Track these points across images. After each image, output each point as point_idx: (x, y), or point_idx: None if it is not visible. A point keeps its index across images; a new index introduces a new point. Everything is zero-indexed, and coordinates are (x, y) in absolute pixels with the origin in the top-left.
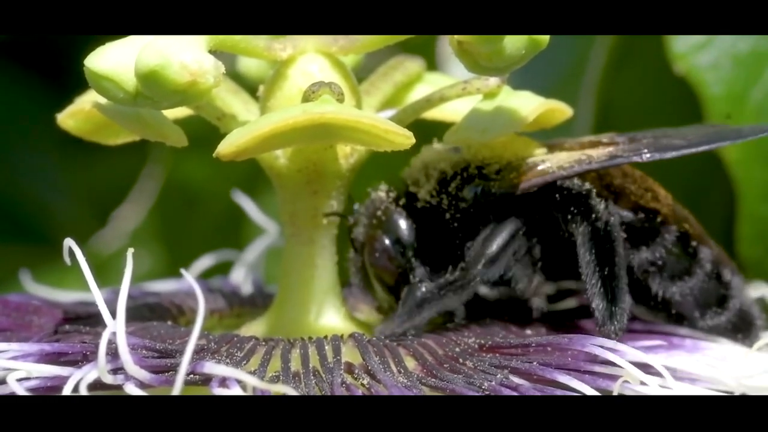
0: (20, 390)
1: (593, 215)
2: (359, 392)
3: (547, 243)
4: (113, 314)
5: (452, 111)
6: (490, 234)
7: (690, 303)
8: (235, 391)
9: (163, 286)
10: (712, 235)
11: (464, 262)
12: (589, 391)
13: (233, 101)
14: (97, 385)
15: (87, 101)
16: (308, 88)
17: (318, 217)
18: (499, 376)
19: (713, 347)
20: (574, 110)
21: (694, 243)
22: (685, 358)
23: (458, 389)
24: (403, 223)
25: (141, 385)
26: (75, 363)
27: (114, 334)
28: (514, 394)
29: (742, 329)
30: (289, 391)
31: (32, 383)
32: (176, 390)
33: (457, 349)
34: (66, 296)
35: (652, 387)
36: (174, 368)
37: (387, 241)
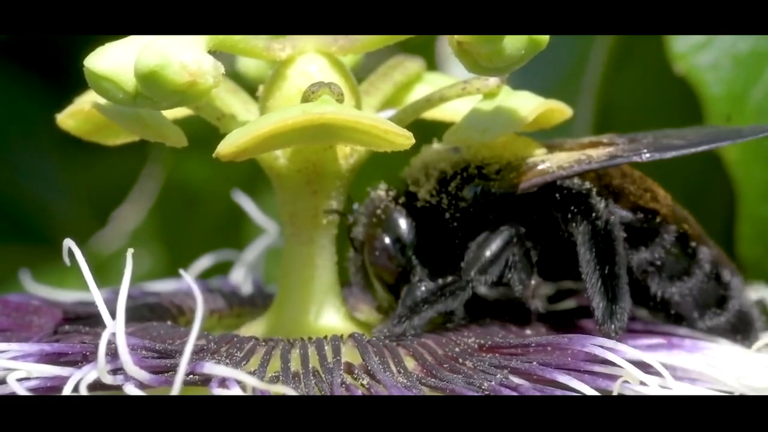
0: (20, 390)
1: (593, 214)
2: (359, 392)
3: (547, 244)
4: (113, 314)
5: (452, 111)
6: (484, 240)
7: (689, 303)
8: (235, 391)
9: (163, 286)
10: (712, 235)
11: (461, 266)
12: (589, 391)
13: (233, 101)
14: (96, 385)
15: (87, 101)
16: (308, 88)
17: (318, 217)
18: (498, 376)
19: (713, 347)
20: (574, 110)
21: (693, 243)
22: (684, 357)
23: (458, 389)
24: (403, 222)
25: (141, 385)
26: (75, 363)
27: (114, 334)
28: (514, 394)
29: (741, 330)
30: (288, 391)
31: (32, 383)
32: (175, 390)
33: (457, 349)
34: (66, 296)
35: (652, 387)
36: (174, 368)
37: (387, 240)
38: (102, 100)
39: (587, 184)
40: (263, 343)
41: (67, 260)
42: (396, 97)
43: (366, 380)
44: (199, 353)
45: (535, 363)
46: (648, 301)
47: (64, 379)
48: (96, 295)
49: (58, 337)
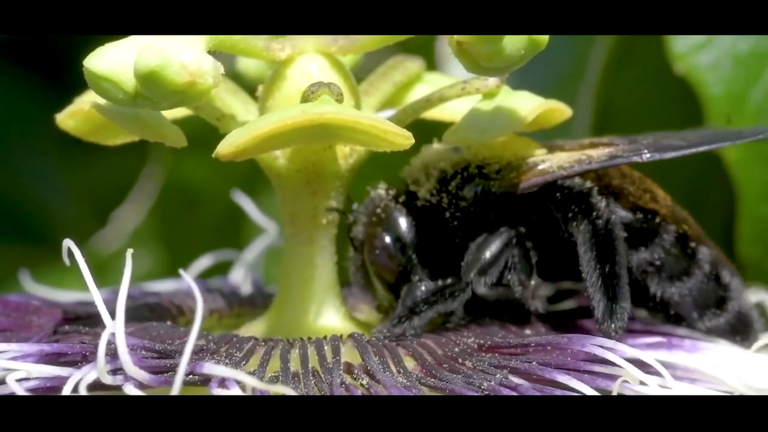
0: (20, 390)
1: (594, 213)
2: (358, 392)
3: (547, 244)
4: (113, 314)
5: (452, 111)
6: (483, 242)
7: (688, 304)
8: (235, 391)
9: (163, 286)
10: (712, 236)
11: (461, 266)
12: (589, 391)
13: (232, 101)
14: (96, 385)
15: (86, 101)
16: (307, 88)
17: (318, 217)
18: (498, 375)
19: (712, 347)
20: (574, 110)
21: (692, 244)
22: (684, 357)
23: (457, 389)
24: (403, 221)
25: (140, 385)
26: (74, 363)
27: (113, 334)
28: (514, 393)
29: (740, 332)
30: (288, 391)
31: (32, 383)
32: (175, 390)
33: (457, 349)
34: (66, 296)
35: (652, 387)
36: (173, 369)
37: (387, 239)
38: (102, 100)
39: (588, 184)
40: (263, 343)
41: (66, 260)
42: (395, 97)
43: (365, 380)
44: (198, 353)
45: (534, 363)
46: (647, 301)
47: (63, 380)
48: (96, 295)
49: (57, 338)
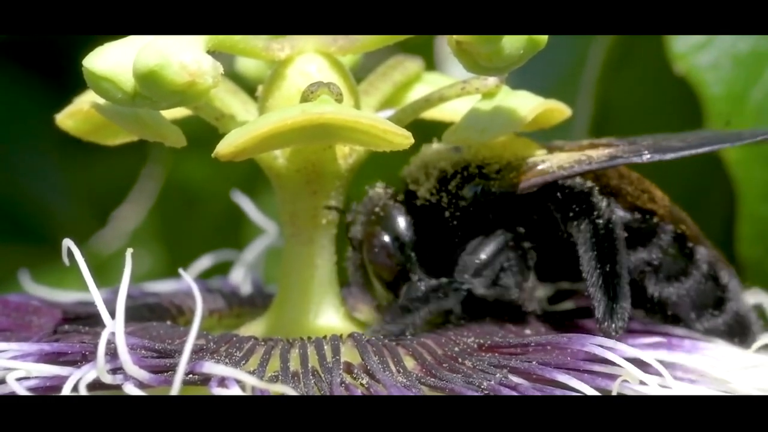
0: (20, 389)
1: (595, 213)
2: (358, 392)
3: (546, 244)
4: (113, 314)
5: (451, 111)
6: (478, 245)
7: (686, 304)
8: (234, 390)
9: (163, 286)
10: (712, 236)
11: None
12: (589, 391)
13: (232, 101)
14: (96, 384)
15: (86, 101)
16: (307, 88)
17: (318, 217)
18: (498, 375)
19: (712, 347)
20: (573, 110)
21: (690, 244)
22: (684, 357)
23: (457, 389)
24: (401, 219)
25: (140, 384)
26: (74, 363)
27: (113, 334)
28: (514, 393)
29: (738, 333)
30: (288, 390)
31: (32, 383)
32: (175, 390)
33: (456, 349)
34: (66, 296)
35: (652, 386)
36: (173, 368)
37: (386, 238)
38: (101, 100)
39: (589, 184)
40: (262, 343)
41: (66, 260)
42: (395, 97)
43: (365, 380)
44: (198, 353)
45: (534, 362)
46: (645, 302)
47: (63, 379)
48: (95, 295)
49: (57, 337)
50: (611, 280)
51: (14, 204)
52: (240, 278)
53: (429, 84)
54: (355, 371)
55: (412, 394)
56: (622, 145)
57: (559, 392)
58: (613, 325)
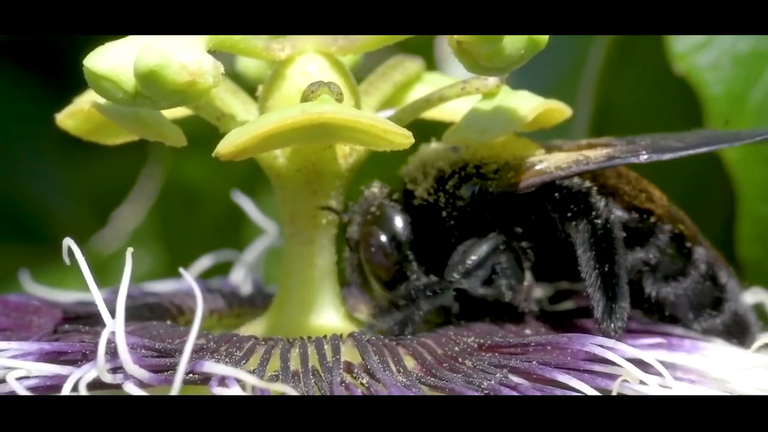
0: (20, 389)
1: (593, 213)
2: (358, 392)
3: (544, 244)
4: (113, 314)
5: (451, 111)
6: (471, 245)
7: (684, 304)
8: (235, 390)
9: (163, 286)
10: (712, 236)
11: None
12: (589, 391)
13: (232, 101)
14: (96, 384)
15: (86, 101)
16: (307, 87)
17: (318, 217)
18: (498, 375)
19: (712, 347)
20: (573, 110)
21: (688, 244)
22: (684, 357)
23: (457, 388)
24: (398, 218)
25: (140, 384)
26: (74, 362)
27: (113, 333)
28: (514, 393)
29: (736, 333)
30: (288, 390)
31: (32, 382)
32: (175, 389)
33: (457, 349)
34: (66, 296)
35: (652, 386)
36: (173, 367)
37: (383, 237)
38: (101, 100)
39: (587, 184)
40: (263, 343)
41: (67, 260)
42: (395, 97)
43: (365, 379)
44: (198, 352)
45: (534, 362)
46: (643, 302)
47: (63, 378)
48: (95, 294)
49: (57, 336)
50: (610, 280)
51: (14, 204)
52: (240, 278)
53: (429, 84)
54: (356, 371)
55: (412, 393)
56: (620, 146)
57: (559, 392)
58: (612, 325)
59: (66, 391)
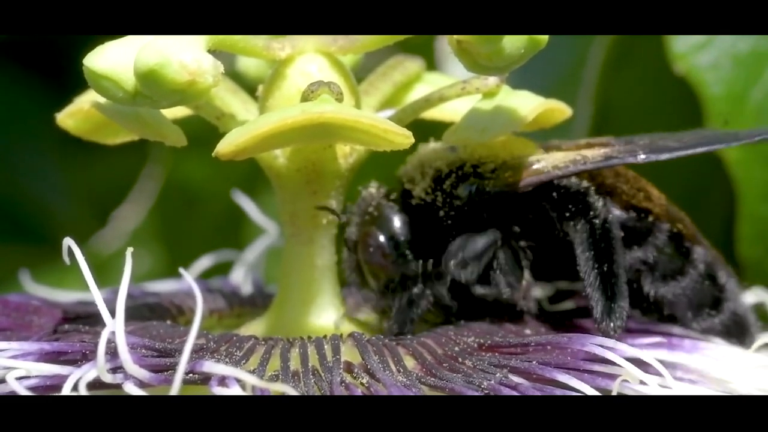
0: (20, 389)
1: (592, 212)
2: (358, 391)
3: (542, 244)
4: (113, 314)
5: (451, 111)
6: (467, 238)
7: (683, 304)
8: (235, 390)
9: (163, 286)
10: (712, 236)
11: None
12: (589, 390)
13: (232, 101)
14: (96, 384)
15: (86, 101)
16: (307, 87)
17: (318, 217)
18: (498, 375)
19: (712, 347)
20: (573, 110)
21: (687, 243)
22: (684, 357)
23: (457, 388)
24: (396, 218)
25: (140, 384)
26: (74, 362)
27: (113, 333)
28: (514, 393)
29: (735, 333)
30: (288, 390)
31: (32, 382)
32: (175, 389)
33: (457, 349)
34: (66, 296)
35: (652, 386)
36: (173, 367)
37: (381, 237)
38: (102, 99)
39: (585, 183)
40: (263, 342)
41: (67, 260)
42: (395, 97)
43: (365, 379)
44: (198, 352)
45: (534, 362)
46: (641, 301)
47: (63, 378)
48: (95, 293)
49: (57, 336)
50: (608, 280)
51: (14, 204)
52: (240, 278)
53: (429, 84)
54: (356, 371)
55: (412, 393)
56: (617, 145)
57: (559, 392)
58: (612, 325)
59: (66, 391)
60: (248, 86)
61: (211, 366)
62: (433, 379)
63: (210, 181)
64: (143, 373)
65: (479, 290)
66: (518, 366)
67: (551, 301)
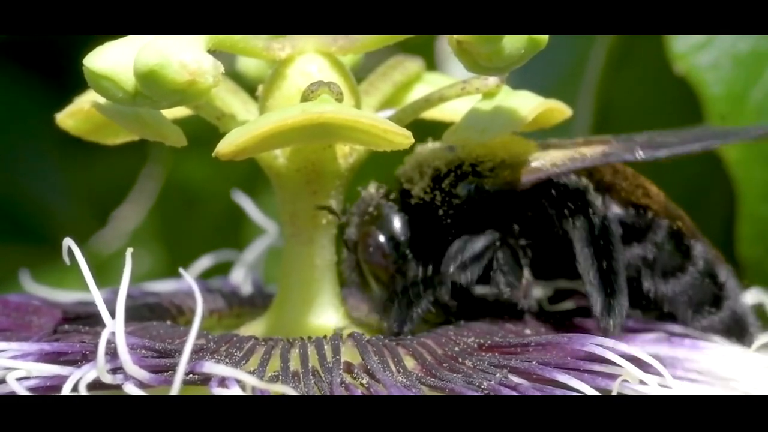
0: (20, 389)
1: (591, 210)
2: (358, 392)
3: (541, 242)
4: (113, 314)
5: (451, 111)
6: (467, 240)
7: (683, 301)
8: (235, 390)
9: (163, 286)
10: (712, 236)
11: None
12: (589, 390)
13: (232, 101)
14: (96, 384)
15: (86, 101)
16: (307, 87)
17: (318, 217)
18: (498, 375)
19: (712, 347)
20: (574, 110)
21: (686, 240)
22: (684, 357)
23: (457, 389)
24: (396, 218)
25: (140, 384)
26: (74, 362)
27: (113, 333)
28: (514, 393)
29: (735, 333)
30: (288, 390)
31: (32, 382)
32: (175, 389)
33: (457, 349)
34: (66, 296)
35: (652, 386)
36: (173, 368)
37: (381, 238)
38: (101, 100)
39: (583, 180)
40: (263, 343)
41: (67, 260)
42: (395, 97)
43: (365, 379)
44: (198, 352)
45: (534, 362)
46: (641, 299)
47: (63, 378)
48: (95, 294)
49: (57, 337)
50: (608, 276)
51: (14, 204)
52: (240, 278)
53: (429, 84)
54: (356, 371)
55: (412, 394)
56: (616, 143)
57: (559, 392)
58: (611, 321)
59: (66, 391)
60: (248, 86)
61: (211, 367)
62: (433, 379)
63: (210, 181)
64: (143, 374)
65: (479, 290)
66: (518, 366)
67: (551, 301)
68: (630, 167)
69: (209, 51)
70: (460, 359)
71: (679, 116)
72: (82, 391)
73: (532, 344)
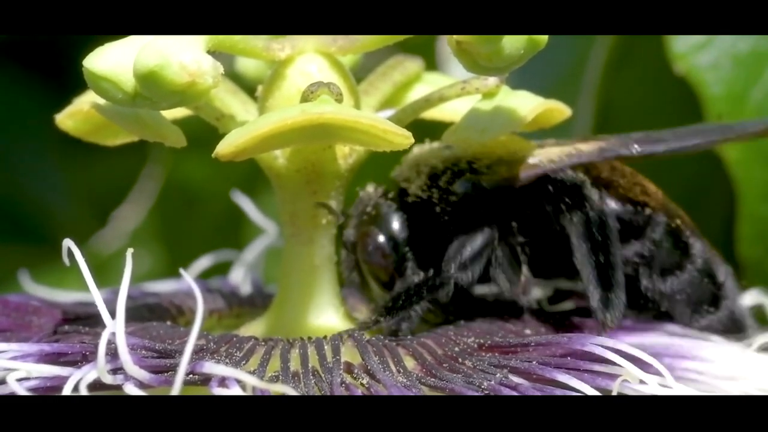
0: (20, 390)
1: (588, 205)
2: (359, 392)
3: (539, 238)
4: (113, 314)
5: (451, 111)
6: (465, 239)
7: (681, 300)
8: (235, 390)
9: (163, 286)
10: (712, 236)
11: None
12: (589, 390)
13: (232, 101)
14: (96, 385)
15: (86, 102)
16: (307, 88)
17: (317, 217)
18: (498, 375)
19: (712, 347)
20: (574, 110)
21: (685, 238)
22: (684, 356)
23: (457, 389)
24: (395, 218)
25: (140, 385)
26: (74, 363)
27: (113, 334)
28: (514, 393)
29: (733, 332)
30: (288, 390)
31: (32, 383)
32: (175, 390)
33: (457, 349)
34: (66, 296)
35: (652, 386)
36: (173, 368)
37: (380, 237)
38: (101, 101)
39: (581, 176)
40: (263, 343)
41: (66, 260)
42: (395, 97)
43: (365, 380)
44: (198, 353)
45: (534, 362)
46: (639, 296)
47: (63, 379)
48: (95, 294)
49: (57, 337)
50: (605, 271)
51: (14, 204)
52: (240, 278)
53: (429, 84)
54: (356, 371)
55: (412, 394)
56: (612, 139)
57: (559, 392)
58: (609, 316)
59: (66, 392)
60: (248, 87)
61: (211, 367)
62: (433, 379)
63: (210, 181)
64: (143, 374)
65: (478, 289)
66: (518, 366)
67: (551, 301)
68: (628, 166)
69: (209, 51)
70: (460, 359)
71: (679, 116)
72: (83, 392)
73: (532, 344)
